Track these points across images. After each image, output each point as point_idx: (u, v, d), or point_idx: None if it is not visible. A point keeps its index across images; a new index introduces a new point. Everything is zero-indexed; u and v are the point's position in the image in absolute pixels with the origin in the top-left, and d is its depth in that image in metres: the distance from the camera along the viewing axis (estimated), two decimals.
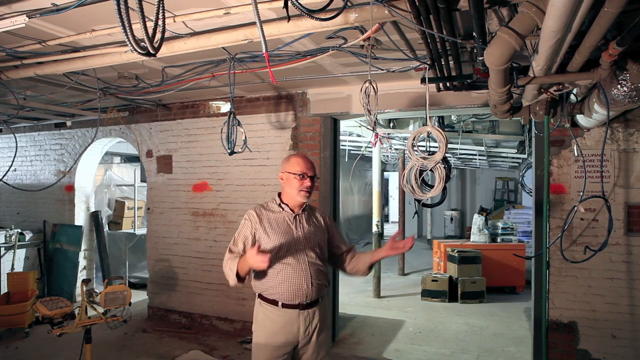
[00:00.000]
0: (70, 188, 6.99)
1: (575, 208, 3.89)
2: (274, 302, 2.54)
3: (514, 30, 2.17)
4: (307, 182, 2.59)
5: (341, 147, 8.03)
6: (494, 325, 6.08)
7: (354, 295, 7.71)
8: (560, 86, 3.13)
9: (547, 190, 3.80)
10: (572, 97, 3.68)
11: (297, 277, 2.52)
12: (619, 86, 2.72)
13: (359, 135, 8.45)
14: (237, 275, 2.47)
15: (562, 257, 3.88)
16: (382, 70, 3.92)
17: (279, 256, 2.52)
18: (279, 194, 2.72)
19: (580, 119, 3.82)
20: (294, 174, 2.60)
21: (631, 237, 4.07)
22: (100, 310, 3.96)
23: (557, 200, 4.29)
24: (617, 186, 4.11)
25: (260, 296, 2.61)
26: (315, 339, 2.59)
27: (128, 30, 1.18)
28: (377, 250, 2.76)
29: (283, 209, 2.64)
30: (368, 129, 6.53)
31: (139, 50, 1.25)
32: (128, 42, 1.21)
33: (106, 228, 8.06)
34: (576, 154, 4.17)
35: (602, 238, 3.77)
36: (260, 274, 2.55)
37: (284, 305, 2.52)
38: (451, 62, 3.36)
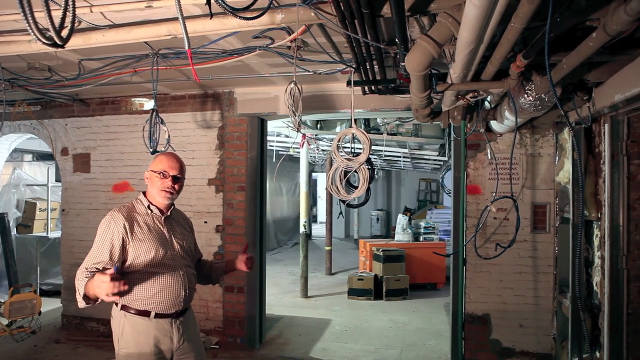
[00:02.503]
0: None
1: (488, 208, 4.16)
2: (144, 313, 2.29)
3: (432, 39, 2.28)
4: (168, 182, 2.37)
5: (269, 147, 8.00)
6: (416, 321, 6.33)
7: (281, 296, 7.71)
8: (476, 93, 3.33)
9: (463, 191, 4.03)
10: (487, 104, 3.94)
11: (176, 285, 2.34)
12: (525, 95, 2.95)
13: (286, 136, 8.46)
14: (86, 297, 2.11)
15: (476, 254, 4.12)
16: (309, 71, 3.96)
17: (154, 263, 2.30)
18: (145, 194, 2.46)
19: (494, 124, 4.09)
20: (155, 172, 2.39)
21: (536, 234, 4.42)
22: (4, 321, 3.63)
23: (473, 200, 4.56)
24: (525, 187, 4.45)
25: (125, 307, 2.30)
26: (193, 346, 2.44)
27: (29, 17, 1.08)
28: (229, 263, 2.69)
29: (152, 211, 2.42)
30: (293, 130, 6.55)
31: (43, 40, 1.16)
32: (30, 30, 1.12)
33: (14, 231, 7.44)
34: (489, 157, 4.45)
35: (512, 236, 4.06)
36: (131, 284, 2.20)
37: (157, 316, 2.30)
38: (376, 67, 3.46)
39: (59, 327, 5.74)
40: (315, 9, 2.56)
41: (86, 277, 2.13)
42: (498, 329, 4.49)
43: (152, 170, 2.41)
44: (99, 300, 2.09)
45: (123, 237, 2.26)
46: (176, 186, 2.42)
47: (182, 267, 2.41)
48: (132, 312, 2.30)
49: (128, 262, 2.28)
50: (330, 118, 6.89)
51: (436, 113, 4.05)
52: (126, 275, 2.23)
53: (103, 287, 1.93)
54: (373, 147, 7.39)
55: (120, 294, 1.99)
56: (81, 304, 2.13)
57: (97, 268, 2.18)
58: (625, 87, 2.80)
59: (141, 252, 2.29)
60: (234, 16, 2.06)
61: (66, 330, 5.65)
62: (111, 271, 1.95)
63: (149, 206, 2.42)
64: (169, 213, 2.48)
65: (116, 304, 2.33)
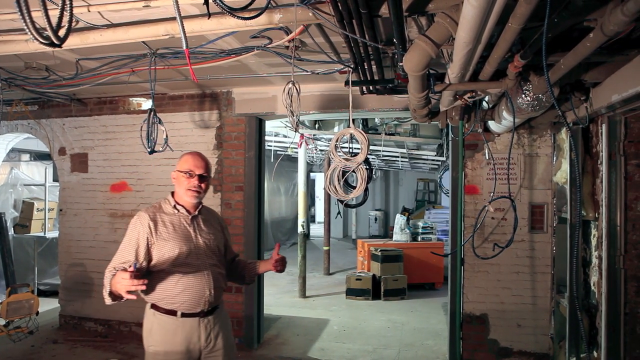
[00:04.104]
0: None
1: (486, 208, 4.16)
2: (171, 312, 2.34)
3: (430, 39, 2.28)
4: (195, 181, 2.40)
5: (267, 147, 8.00)
6: (414, 321, 6.33)
7: (279, 296, 7.71)
8: (473, 93, 3.34)
9: (461, 191, 4.03)
10: (485, 104, 3.94)
11: (199, 284, 2.35)
12: (523, 95, 2.96)
13: (285, 136, 8.46)
14: (111, 294, 2.18)
15: (474, 254, 4.13)
16: (307, 71, 3.95)
17: (178, 262, 2.33)
18: (173, 194, 2.51)
19: (492, 124, 4.10)
20: (182, 172, 2.42)
21: (534, 234, 4.43)
22: (1, 322, 3.62)
23: (471, 200, 4.57)
24: (522, 187, 4.46)
25: (155, 307, 2.37)
26: (222, 345, 2.45)
27: (26, 17, 1.08)
28: (262, 263, 2.68)
29: (178, 211, 2.44)
30: (291, 130, 6.56)
31: (40, 39, 1.16)
32: (27, 30, 1.11)
33: (11, 231, 7.41)
34: (487, 158, 4.46)
35: (510, 235, 4.05)
36: (156, 283, 2.31)
37: (184, 315, 2.34)
38: (374, 67, 3.45)
39: (56, 327, 5.73)
40: (313, 9, 2.56)
41: (112, 275, 2.20)
42: (496, 328, 4.49)
43: (178, 171, 2.44)
44: (124, 299, 2.14)
45: (148, 237, 2.32)
46: (203, 185, 2.44)
47: (207, 266, 2.41)
48: (161, 311, 2.36)
49: (153, 262, 2.33)
50: (329, 118, 6.89)
51: (434, 113, 4.06)
52: (151, 275, 2.29)
53: (123, 284, 2.01)
54: (371, 147, 7.40)
55: (143, 291, 2.10)
56: (107, 300, 2.21)
57: (123, 267, 2.23)
58: (623, 88, 2.81)
59: (165, 252, 2.33)
60: (232, 16, 2.06)
61: (64, 331, 5.64)
62: (131, 269, 2.03)
63: (175, 206, 2.45)
64: (196, 212, 2.49)
65: (148, 303, 2.41)
